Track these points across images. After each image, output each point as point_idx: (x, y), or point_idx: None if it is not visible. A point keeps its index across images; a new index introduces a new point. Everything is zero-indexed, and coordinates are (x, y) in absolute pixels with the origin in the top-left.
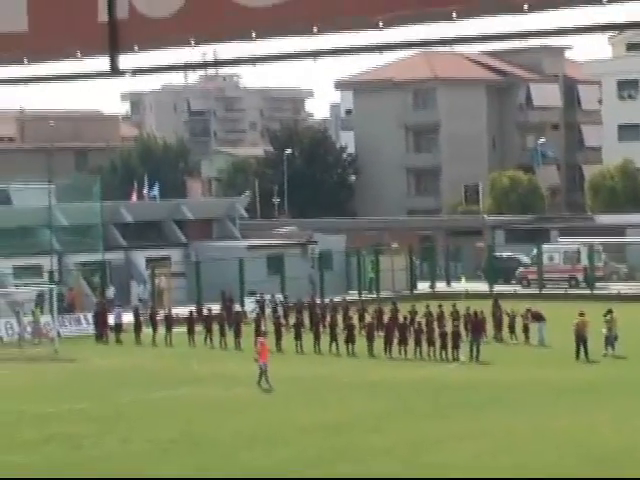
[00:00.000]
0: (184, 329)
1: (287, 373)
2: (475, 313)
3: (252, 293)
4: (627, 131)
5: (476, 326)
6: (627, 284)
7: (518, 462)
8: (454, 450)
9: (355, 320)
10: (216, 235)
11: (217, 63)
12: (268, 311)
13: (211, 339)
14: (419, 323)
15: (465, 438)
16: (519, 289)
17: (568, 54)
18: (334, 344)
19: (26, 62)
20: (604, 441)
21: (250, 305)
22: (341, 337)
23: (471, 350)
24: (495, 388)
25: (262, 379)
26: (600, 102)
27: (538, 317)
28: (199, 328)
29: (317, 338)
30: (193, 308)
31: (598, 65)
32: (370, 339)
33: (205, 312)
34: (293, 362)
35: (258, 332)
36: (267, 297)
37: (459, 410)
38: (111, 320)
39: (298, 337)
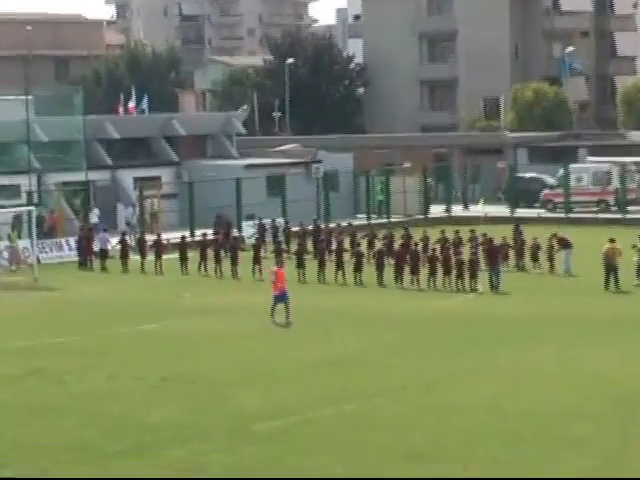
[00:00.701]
0: (175, 256)
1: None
2: (490, 239)
3: (250, 217)
4: None
5: (493, 253)
6: None
7: (539, 403)
8: (469, 390)
9: (363, 247)
10: (211, 153)
11: None
12: (268, 237)
13: (205, 267)
14: (433, 250)
15: (482, 376)
16: (543, 213)
17: None
18: (340, 273)
19: None
20: (634, 379)
21: (248, 230)
22: (348, 265)
23: (490, 280)
24: (516, 321)
25: (275, 311)
26: (635, 6)
27: (564, 244)
28: (192, 254)
29: (322, 266)
30: (186, 233)
31: None
32: (380, 267)
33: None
34: (295, 292)
35: (257, 260)
36: (267, 221)
37: (476, 345)
38: (96, 246)
39: (301, 265)
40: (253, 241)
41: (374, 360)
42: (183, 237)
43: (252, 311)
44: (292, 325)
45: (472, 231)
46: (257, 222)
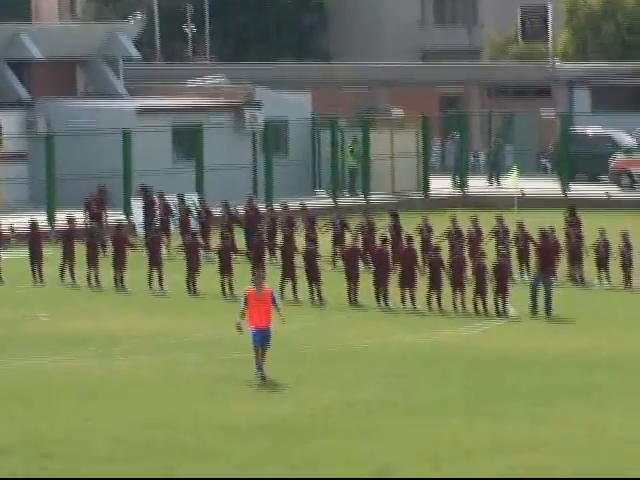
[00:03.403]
0: (24, 253)
1: (208, 333)
2: (544, 233)
3: (145, 191)
4: None
5: (548, 254)
6: None
7: None
8: (494, 467)
9: (325, 242)
10: (83, 88)
11: None
12: (175, 224)
13: (72, 271)
14: (436, 249)
15: (515, 449)
16: (614, 191)
17: None
18: (289, 283)
19: None
20: None
21: (141, 212)
22: (301, 271)
23: (533, 297)
24: (569, 365)
25: (259, 360)
26: None
27: None
28: (52, 252)
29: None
30: (42, 217)
31: None
32: (351, 276)
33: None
34: (218, 313)
35: (155, 260)
36: (172, 199)
37: (506, 401)
38: None
39: (226, 270)
40: (150, 232)
41: (344, 424)
42: (35, 223)
43: (149, 342)
44: (266, 380)
45: (500, 219)
46: (155, 198)
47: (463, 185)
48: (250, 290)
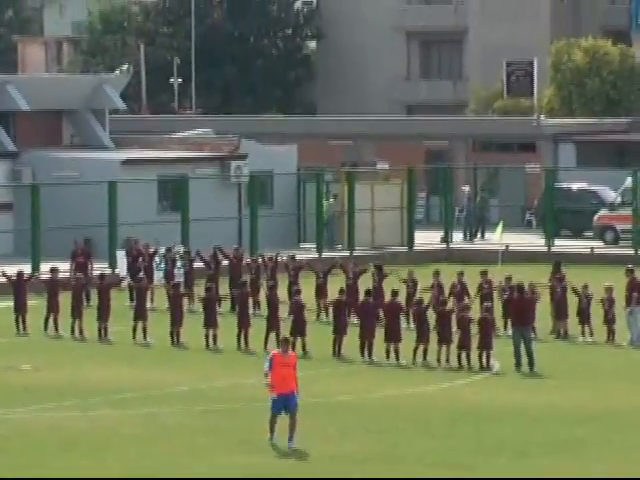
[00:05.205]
0: (9, 303)
1: (191, 385)
2: (520, 287)
3: (129, 242)
4: None
5: (525, 309)
6: None
7: None
8: None
9: (310, 295)
10: (69, 139)
11: None
12: (159, 275)
13: (56, 322)
14: (420, 302)
15: None
16: (599, 247)
17: None
18: (274, 335)
19: None
20: None
21: (125, 264)
22: (286, 324)
23: (516, 352)
24: (553, 418)
25: (276, 426)
26: None
27: (634, 296)
28: (35, 302)
29: (243, 325)
30: (27, 267)
31: None
32: (338, 329)
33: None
34: (201, 365)
35: (140, 312)
36: (159, 250)
37: (489, 455)
38: None
39: (210, 323)
40: (137, 281)
41: (327, 477)
42: (20, 274)
43: (131, 394)
44: (294, 449)
45: (484, 273)
46: (141, 248)
47: (448, 238)
48: (275, 353)
